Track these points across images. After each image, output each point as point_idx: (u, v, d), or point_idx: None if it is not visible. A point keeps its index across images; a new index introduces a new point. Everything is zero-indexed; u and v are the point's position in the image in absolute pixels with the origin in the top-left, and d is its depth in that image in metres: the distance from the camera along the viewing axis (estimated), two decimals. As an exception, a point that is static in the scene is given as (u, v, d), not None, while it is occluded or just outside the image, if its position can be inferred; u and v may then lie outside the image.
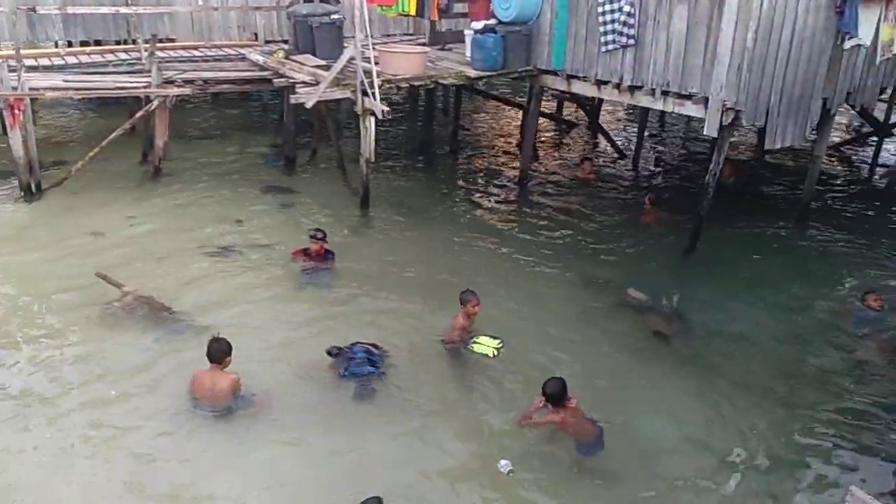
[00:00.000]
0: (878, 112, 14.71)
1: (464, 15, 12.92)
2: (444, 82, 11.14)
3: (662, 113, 15.58)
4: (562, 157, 14.41)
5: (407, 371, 6.99)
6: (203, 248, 9.34)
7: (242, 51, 12.94)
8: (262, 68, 11.66)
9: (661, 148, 14.76)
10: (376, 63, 10.00)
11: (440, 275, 8.91)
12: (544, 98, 15.37)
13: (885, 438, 6.37)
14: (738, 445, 6.23)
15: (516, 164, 13.25)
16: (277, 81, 10.92)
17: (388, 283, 8.71)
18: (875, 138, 14.34)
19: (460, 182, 12.74)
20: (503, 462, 5.78)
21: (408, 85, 10.96)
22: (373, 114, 9.89)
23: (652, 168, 14.03)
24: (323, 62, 10.77)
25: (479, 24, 11.21)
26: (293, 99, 10.18)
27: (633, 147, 14.18)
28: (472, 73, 11.05)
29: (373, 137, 10.22)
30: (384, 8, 12.64)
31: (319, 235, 8.88)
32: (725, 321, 8.22)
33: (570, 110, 17.09)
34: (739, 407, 6.74)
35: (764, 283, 9.21)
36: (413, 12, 12.21)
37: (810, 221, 11.14)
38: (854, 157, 15.00)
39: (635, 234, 10.63)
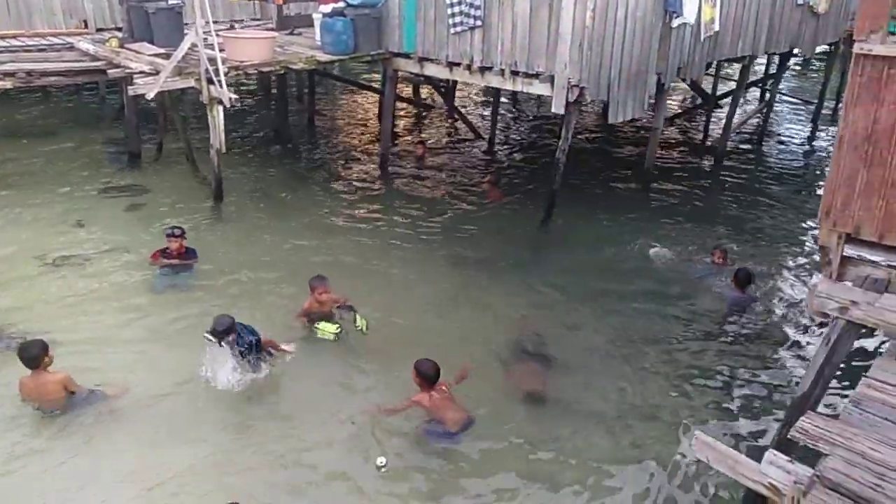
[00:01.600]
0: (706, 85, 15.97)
1: (311, -2, 12.65)
2: (295, 68, 10.85)
3: (514, 92, 16.06)
4: (421, 140, 14.49)
5: (277, 367, 6.80)
6: (39, 259, 8.54)
7: (70, 39, 11.92)
8: (95, 58, 10.80)
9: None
10: (221, 50, 9.57)
11: (304, 264, 8.70)
12: (401, 81, 15.41)
13: (727, 387, 6.94)
14: (603, 403, 6.56)
15: (375, 148, 13.18)
16: (113, 72, 10.16)
17: (251, 278, 8.42)
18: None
19: (319, 169, 12.50)
20: (380, 459, 5.68)
21: (256, 71, 10.56)
22: (220, 102, 9.47)
23: (508, 148, 14.45)
24: (162, 50, 10.16)
25: (327, 8, 11.02)
26: (131, 90, 9.54)
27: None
28: (324, 57, 10.84)
29: (222, 127, 9.79)
30: (226, -9, 12.08)
31: (178, 232, 8.44)
32: (582, 285, 8.62)
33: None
34: (597, 368, 7.09)
35: (615, 247, 9.73)
36: (256, -4, 11.77)
37: (653, 188, 11.91)
38: (688, 127, 16.19)
39: (494, 211, 10.92)
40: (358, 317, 7.27)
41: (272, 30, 12.18)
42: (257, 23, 13.88)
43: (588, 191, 11.57)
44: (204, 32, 9.23)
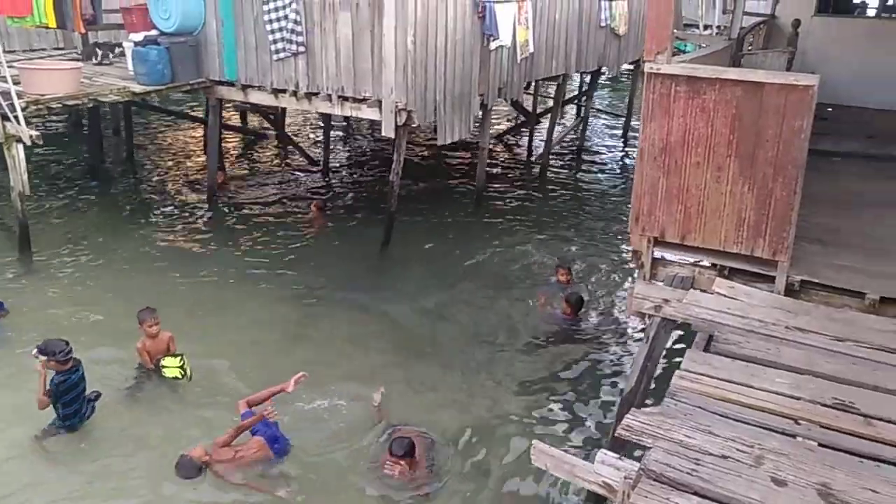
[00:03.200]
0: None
1: (120, 26, 11.91)
2: (106, 100, 10.12)
3: (347, 117, 16.03)
4: (252, 170, 14.07)
5: (114, 426, 6.28)
6: None
7: None
8: None
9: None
10: (17, 83, 8.74)
11: (130, 310, 8.04)
12: (229, 110, 14.91)
13: (565, 396, 7.19)
14: (444, 422, 6.57)
15: (204, 181, 12.60)
16: None
17: (70, 329, 7.60)
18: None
19: (142, 206, 11.74)
20: None
21: (60, 105, 9.73)
22: (20, 140, 8.62)
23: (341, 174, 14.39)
24: (-56, 85, 9.10)
25: (138, 36, 10.40)
26: None
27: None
28: (138, 88, 10.19)
29: (24, 167, 8.90)
30: (17, 19, 11.00)
31: None
32: (422, 307, 8.70)
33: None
34: (435, 386, 7.16)
35: (455, 264, 9.94)
36: (53, 24, 10.80)
37: (485, 203, 12.31)
38: (513, 144, 16.99)
39: (333, 238, 10.79)
40: (182, 360, 6.86)
41: (77, 59, 11.29)
42: (60, 52, 12.85)
43: (426, 210, 11.76)
44: (-7, 64, 8.38)
